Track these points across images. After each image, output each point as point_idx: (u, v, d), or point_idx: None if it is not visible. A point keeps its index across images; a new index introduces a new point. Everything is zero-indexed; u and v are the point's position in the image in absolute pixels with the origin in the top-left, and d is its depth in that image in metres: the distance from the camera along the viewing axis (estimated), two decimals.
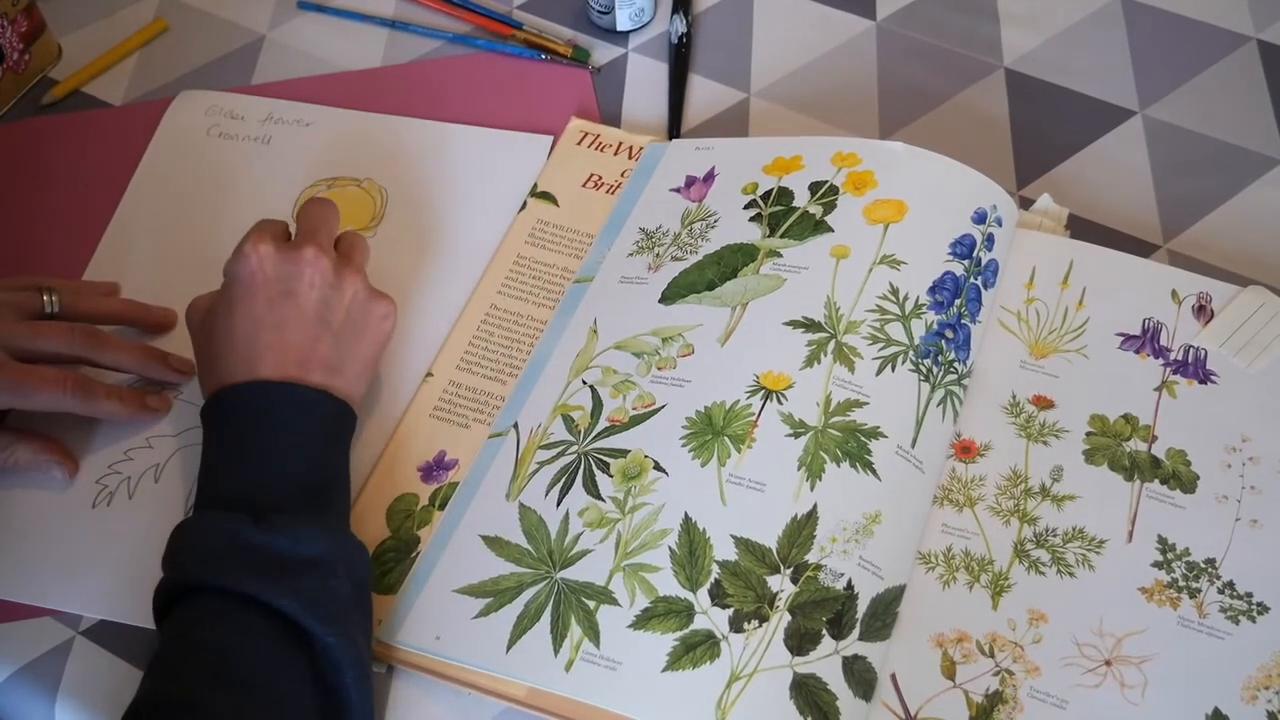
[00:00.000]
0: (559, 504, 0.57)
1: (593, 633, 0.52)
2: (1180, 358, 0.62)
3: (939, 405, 0.58)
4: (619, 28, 0.82)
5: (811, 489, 0.54)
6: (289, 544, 0.50)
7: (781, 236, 0.64)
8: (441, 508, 0.59)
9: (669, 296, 0.64)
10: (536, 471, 0.59)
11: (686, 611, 0.52)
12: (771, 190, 0.67)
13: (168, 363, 0.64)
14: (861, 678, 0.51)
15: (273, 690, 0.48)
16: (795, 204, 0.65)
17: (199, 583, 0.49)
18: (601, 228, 0.70)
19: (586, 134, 0.75)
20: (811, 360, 0.58)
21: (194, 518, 0.52)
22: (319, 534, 0.51)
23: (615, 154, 0.74)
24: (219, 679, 0.47)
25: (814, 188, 0.66)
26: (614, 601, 0.53)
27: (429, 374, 0.65)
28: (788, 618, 0.51)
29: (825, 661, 0.50)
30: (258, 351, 0.55)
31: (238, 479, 0.53)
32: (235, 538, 0.50)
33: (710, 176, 0.69)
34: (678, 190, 0.70)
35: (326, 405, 0.56)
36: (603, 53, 0.81)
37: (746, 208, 0.66)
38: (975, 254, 0.62)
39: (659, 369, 0.61)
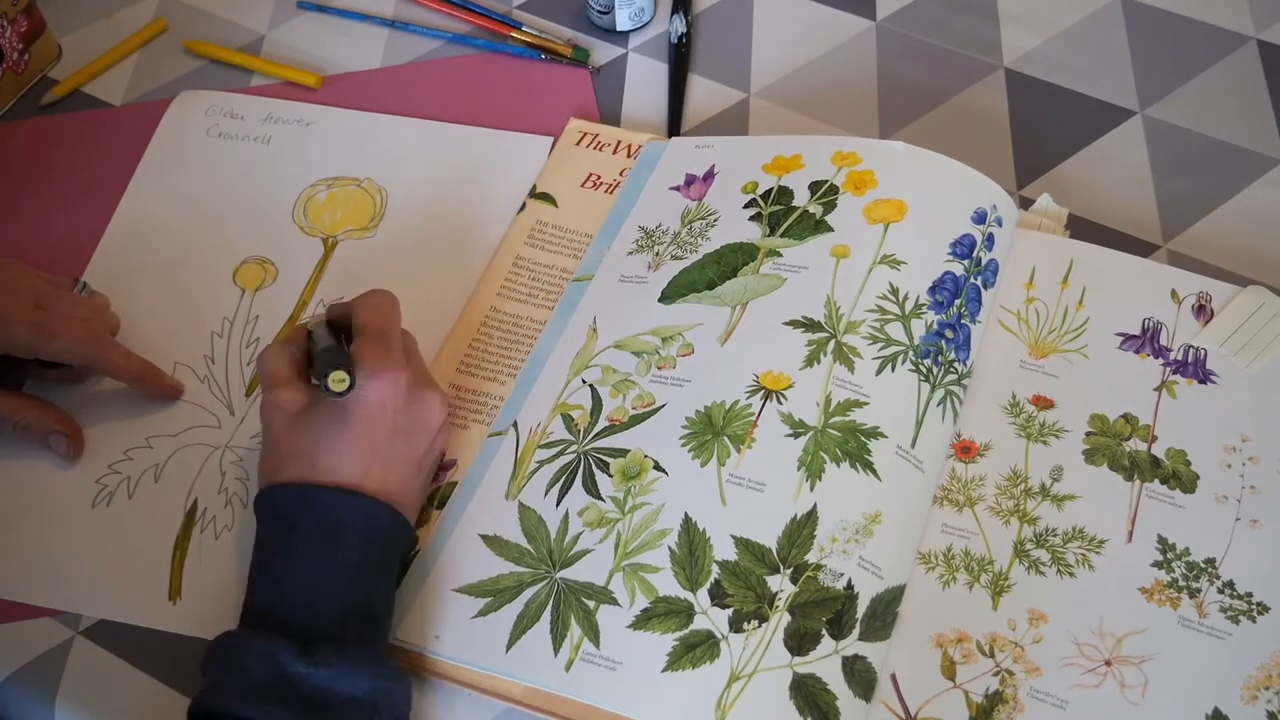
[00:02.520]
0: (559, 503, 0.57)
1: (592, 633, 0.52)
2: (1180, 357, 0.62)
3: (939, 405, 0.58)
4: (619, 28, 0.82)
5: (811, 489, 0.54)
6: (334, 679, 0.48)
7: (781, 236, 0.64)
8: (440, 507, 0.59)
9: (669, 296, 0.64)
10: (536, 471, 0.59)
11: (686, 611, 0.52)
12: (771, 189, 0.67)
13: (164, 380, 0.64)
14: (861, 678, 0.51)
15: None
16: (795, 203, 0.65)
17: (235, 712, 0.47)
18: (601, 226, 0.70)
19: (585, 134, 0.75)
20: (811, 360, 0.58)
21: (238, 640, 0.50)
22: (366, 671, 0.49)
23: (614, 153, 0.74)
24: None
25: (814, 187, 0.66)
26: (614, 601, 0.53)
27: None
28: (787, 618, 0.51)
29: (825, 661, 0.50)
30: (359, 474, 0.53)
31: (292, 591, 0.51)
32: (279, 669, 0.48)
33: (710, 175, 0.69)
34: (677, 189, 0.70)
35: (398, 530, 0.54)
36: (603, 53, 0.81)
37: (746, 207, 0.66)
38: (975, 254, 0.62)
39: (659, 368, 0.61)
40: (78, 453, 0.62)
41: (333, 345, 0.57)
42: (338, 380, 0.54)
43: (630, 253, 0.67)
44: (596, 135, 0.75)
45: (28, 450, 0.62)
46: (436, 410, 0.57)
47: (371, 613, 0.52)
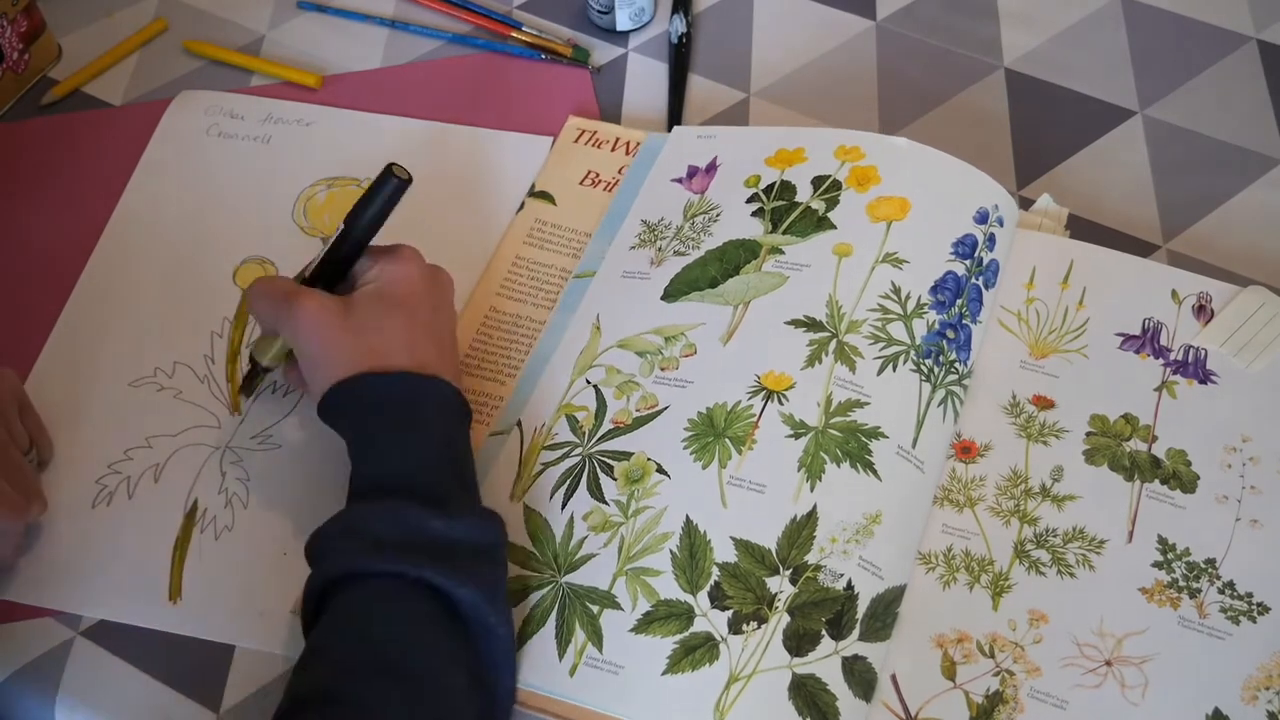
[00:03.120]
0: (564, 507, 0.57)
1: (596, 637, 0.52)
2: (1180, 358, 0.62)
3: (939, 405, 0.58)
4: (619, 28, 0.82)
5: (811, 489, 0.54)
6: (465, 530, 0.50)
7: (784, 233, 0.64)
8: None
9: (671, 293, 0.64)
10: (541, 473, 0.59)
11: (687, 614, 0.52)
12: (774, 184, 0.66)
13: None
14: (861, 678, 0.51)
15: (438, 683, 0.47)
16: (798, 199, 0.65)
17: (374, 570, 0.48)
18: (602, 219, 0.69)
19: (584, 131, 0.75)
20: (813, 360, 0.58)
21: (360, 510, 0.51)
22: (489, 521, 0.52)
23: (613, 150, 0.73)
24: (388, 671, 0.46)
25: (817, 182, 0.65)
26: (616, 605, 0.53)
27: None
28: (787, 618, 0.51)
29: (825, 662, 0.50)
30: (423, 351, 0.56)
31: (400, 463, 0.53)
32: (412, 525, 0.50)
33: (712, 167, 0.69)
34: (679, 181, 0.70)
35: (460, 400, 0.57)
36: (603, 52, 0.81)
37: (749, 201, 0.66)
38: (977, 254, 0.62)
39: (662, 369, 0.61)
40: (37, 511, 0.58)
41: (336, 255, 0.59)
42: (270, 351, 0.59)
43: (633, 247, 0.67)
44: (595, 133, 0.75)
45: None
46: (448, 282, 0.61)
47: (463, 474, 0.54)
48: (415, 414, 0.54)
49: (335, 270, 0.59)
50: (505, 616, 0.50)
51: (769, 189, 0.66)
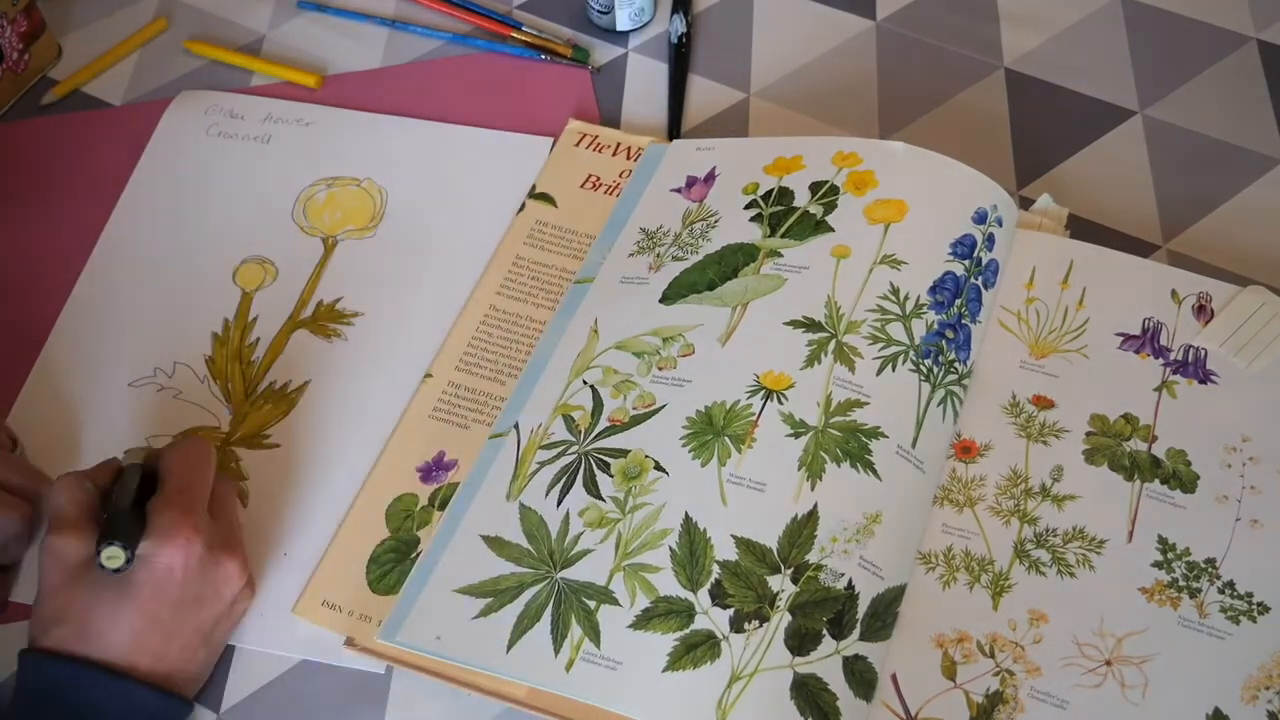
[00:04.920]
0: (559, 504, 0.57)
1: (593, 633, 0.52)
2: (1180, 357, 0.62)
3: (939, 405, 0.58)
4: (619, 28, 0.82)
5: (812, 489, 0.54)
6: None
7: (782, 236, 0.64)
8: (441, 508, 0.59)
9: (669, 296, 0.64)
10: (537, 471, 0.59)
11: (687, 611, 0.52)
12: (772, 190, 0.67)
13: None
14: (862, 678, 0.51)
15: None
16: (796, 204, 0.65)
17: None
18: (602, 228, 0.70)
19: (585, 135, 0.75)
20: (812, 360, 0.58)
21: None
22: None
23: (614, 155, 0.74)
24: None
25: (814, 188, 0.66)
26: (614, 601, 0.53)
27: (428, 374, 0.65)
28: (788, 618, 0.51)
29: (826, 661, 0.50)
30: (132, 648, 0.49)
31: None
32: None
33: (711, 177, 0.69)
34: (678, 190, 0.70)
35: (173, 711, 0.51)
36: (602, 53, 0.81)
37: (747, 208, 0.66)
38: (976, 254, 0.62)
39: (659, 369, 0.61)
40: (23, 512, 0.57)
41: (123, 509, 0.52)
42: (111, 557, 0.49)
43: (631, 254, 0.67)
44: (596, 137, 0.75)
45: (28, 450, 0.62)
46: (233, 580, 0.53)
47: None
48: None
49: (111, 525, 0.51)
50: None
51: (767, 195, 0.66)
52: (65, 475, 0.53)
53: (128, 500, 0.53)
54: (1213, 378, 0.61)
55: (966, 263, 0.62)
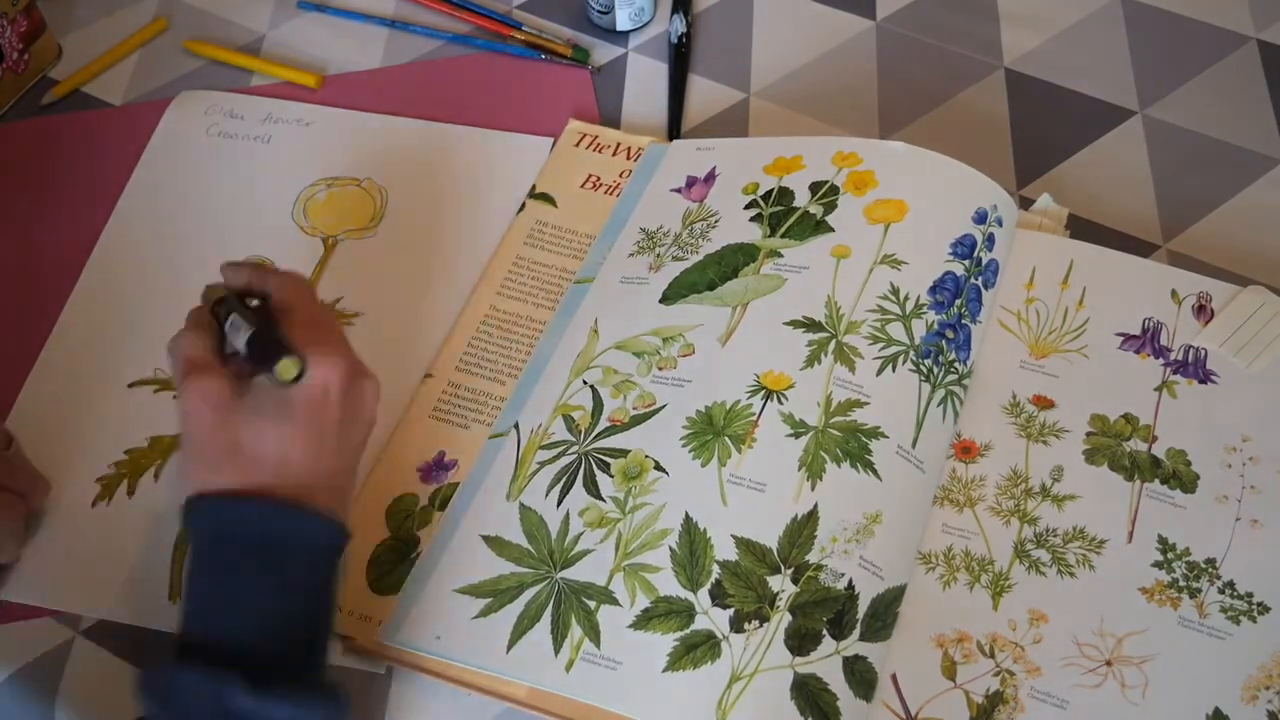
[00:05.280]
0: (559, 504, 0.57)
1: (593, 633, 0.52)
2: (1180, 357, 0.62)
3: (939, 405, 0.58)
4: (619, 28, 0.82)
5: (812, 489, 0.54)
6: (286, 715, 0.44)
7: (782, 236, 0.64)
8: (441, 508, 0.59)
9: (670, 296, 0.64)
10: (537, 472, 0.59)
11: (687, 612, 0.52)
12: (772, 190, 0.67)
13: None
14: (862, 678, 0.51)
15: None
16: (796, 204, 0.65)
17: None
18: (602, 228, 0.70)
19: (585, 135, 0.75)
20: (812, 360, 0.58)
21: (176, 674, 0.45)
22: (316, 704, 0.46)
23: (614, 155, 0.74)
24: None
25: (814, 187, 0.66)
26: (614, 602, 0.53)
27: (428, 374, 0.65)
28: (788, 618, 0.51)
29: (826, 662, 0.50)
30: (306, 472, 0.49)
31: (233, 615, 0.47)
32: (223, 705, 0.44)
33: (711, 177, 0.69)
34: (678, 190, 0.70)
35: (336, 540, 0.50)
36: (603, 53, 0.81)
37: (747, 208, 0.66)
38: (976, 254, 0.62)
39: (659, 369, 0.61)
40: (18, 511, 0.58)
41: (269, 329, 0.51)
42: (288, 368, 0.48)
43: (631, 254, 0.67)
44: (596, 137, 0.75)
45: (28, 450, 0.62)
46: (372, 399, 0.52)
47: (316, 635, 0.49)
48: (273, 559, 0.47)
49: (259, 348, 0.50)
50: None
51: (767, 195, 0.66)
52: (182, 331, 0.52)
53: (253, 329, 0.51)
54: (1213, 378, 0.61)
55: (966, 263, 0.62)
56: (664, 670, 0.50)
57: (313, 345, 0.50)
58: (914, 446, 0.57)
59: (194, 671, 0.45)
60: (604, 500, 0.56)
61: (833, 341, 0.59)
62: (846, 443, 0.56)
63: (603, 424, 0.59)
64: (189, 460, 0.50)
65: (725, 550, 0.53)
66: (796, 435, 0.56)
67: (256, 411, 0.49)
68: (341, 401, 0.50)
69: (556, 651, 0.52)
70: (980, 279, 0.62)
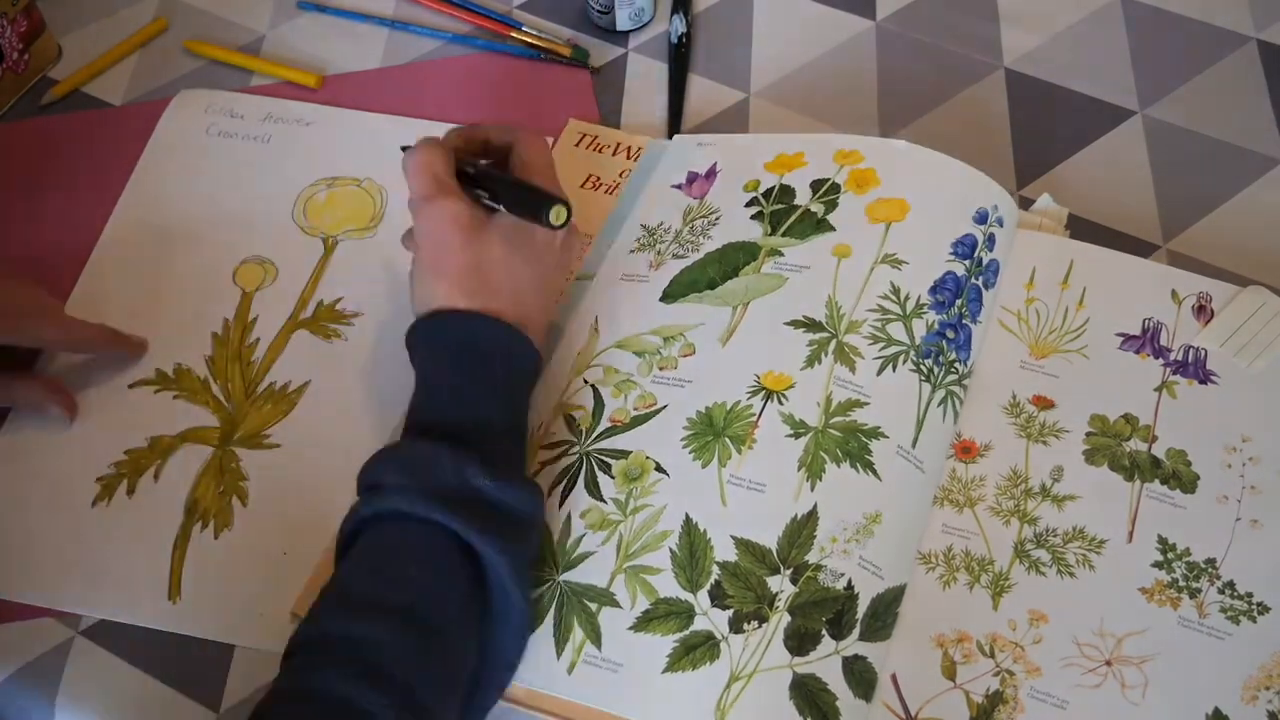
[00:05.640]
0: (561, 505, 0.57)
1: (594, 635, 0.52)
2: (1180, 358, 0.62)
3: (939, 405, 0.58)
4: (619, 28, 0.82)
5: (812, 489, 0.54)
6: (513, 499, 0.51)
7: (783, 235, 0.64)
8: None
9: (670, 295, 0.64)
10: (538, 472, 0.59)
11: (687, 613, 0.52)
12: (773, 188, 0.67)
13: (127, 340, 0.65)
14: (862, 678, 0.51)
15: (451, 637, 0.48)
16: (797, 202, 0.65)
17: (419, 516, 0.49)
18: (603, 224, 0.69)
19: (584, 135, 0.75)
20: (812, 360, 0.58)
21: (425, 448, 0.51)
22: (534, 493, 0.53)
23: (613, 154, 0.73)
24: (408, 617, 0.47)
25: (816, 185, 0.65)
26: (615, 603, 0.53)
27: None
28: (787, 618, 0.51)
29: (825, 662, 0.50)
30: (531, 305, 0.57)
31: (465, 406, 0.53)
32: (465, 479, 0.50)
33: (712, 173, 0.69)
34: (679, 186, 0.70)
35: (538, 362, 0.58)
36: (602, 53, 0.81)
37: (748, 205, 0.66)
38: (976, 254, 0.62)
39: (660, 369, 0.61)
40: (73, 413, 0.64)
41: (520, 183, 0.58)
42: (561, 213, 0.55)
43: (632, 251, 0.67)
44: (595, 137, 0.75)
45: (28, 450, 0.62)
46: (580, 252, 0.64)
47: (523, 433, 0.56)
48: (501, 370, 0.55)
49: (509, 193, 0.57)
50: (525, 591, 0.51)
51: (768, 193, 0.66)
52: (421, 145, 0.58)
53: (512, 178, 0.59)
54: (1213, 378, 0.61)
55: (967, 263, 0.62)
56: (663, 671, 0.50)
57: (549, 190, 0.58)
58: (914, 446, 0.56)
59: (443, 447, 0.51)
60: (605, 502, 0.56)
61: (833, 341, 0.59)
62: (846, 443, 0.56)
63: (604, 424, 0.59)
64: (427, 276, 0.56)
65: (725, 551, 0.53)
66: (796, 435, 0.56)
67: (503, 242, 0.56)
68: (565, 248, 0.60)
69: (559, 654, 0.52)
70: (981, 279, 0.62)
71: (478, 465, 0.50)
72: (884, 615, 0.53)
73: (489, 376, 0.54)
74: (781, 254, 0.63)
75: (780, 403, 0.57)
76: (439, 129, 0.76)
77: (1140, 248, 0.69)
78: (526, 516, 0.52)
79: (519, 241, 0.57)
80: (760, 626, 0.51)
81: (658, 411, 0.59)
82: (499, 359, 0.55)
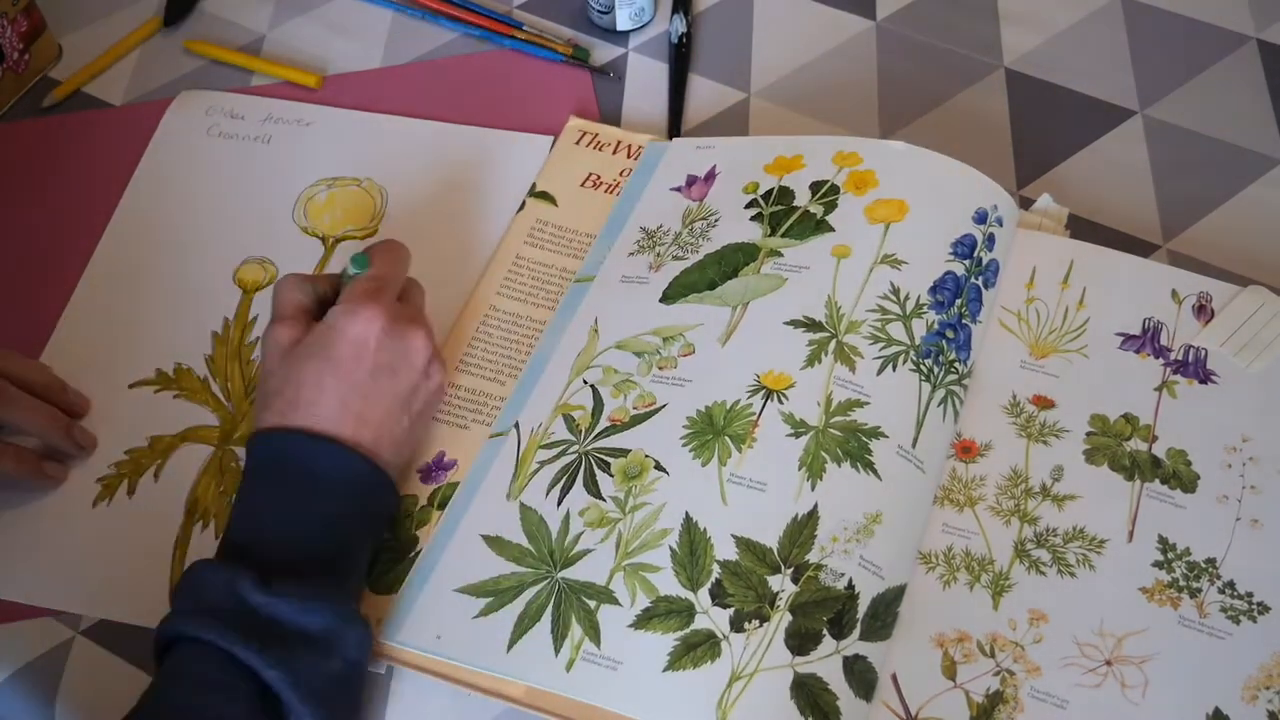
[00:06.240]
0: (559, 503, 0.57)
1: (593, 632, 0.52)
2: (1180, 357, 0.62)
3: (940, 405, 0.58)
4: (619, 27, 0.82)
5: (812, 489, 0.54)
6: (288, 611, 0.49)
7: (782, 236, 0.64)
8: (441, 508, 0.59)
9: (670, 296, 0.64)
10: (537, 471, 0.59)
11: (687, 611, 0.52)
12: (772, 189, 0.67)
13: (71, 434, 0.62)
14: (862, 678, 0.51)
15: None
16: (796, 203, 0.65)
17: (194, 635, 0.48)
18: (602, 227, 0.70)
19: (585, 133, 0.75)
20: (812, 360, 0.58)
21: (203, 569, 0.50)
22: (322, 607, 0.49)
23: (614, 153, 0.73)
24: None
25: (815, 187, 0.66)
26: (614, 601, 0.53)
27: None
28: (788, 617, 0.51)
29: (826, 661, 0.50)
30: (342, 414, 0.54)
31: (265, 530, 0.52)
32: (237, 596, 0.48)
33: (711, 175, 0.69)
34: (679, 189, 0.70)
35: (380, 484, 0.55)
36: (603, 52, 0.81)
37: (747, 207, 0.66)
38: (976, 254, 0.62)
39: (660, 368, 0.61)
40: (90, 447, 0.63)
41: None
42: (351, 264, 0.58)
43: (632, 253, 0.67)
44: (596, 135, 0.75)
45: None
46: (421, 349, 0.57)
47: (335, 559, 0.52)
48: (312, 486, 0.53)
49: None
50: (321, 707, 0.48)
51: (767, 194, 0.66)
52: (288, 276, 0.59)
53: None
54: (1213, 378, 0.61)
55: (967, 262, 0.62)
56: (664, 670, 0.50)
57: (356, 298, 0.56)
58: (914, 446, 0.57)
59: (216, 566, 0.50)
60: (604, 500, 0.56)
61: (833, 341, 0.59)
62: (847, 442, 0.56)
63: (603, 423, 0.59)
64: (257, 392, 0.58)
65: (725, 550, 0.53)
66: (797, 435, 0.56)
67: (305, 356, 0.55)
68: (379, 350, 0.55)
69: (557, 651, 0.52)
70: (980, 279, 0.62)
71: (251, 580, 0.48)
72: (884, 615, 0.53)
73: (276, 486, 0.53)
74: (781, 255, 0.63)
75: (780, 402, 0.57)
76: (439, 129, 0.76)
77: (1140, 248, 0.69)
78: (316, 630, 0.49)
79: (319, 357, 0.55)
80: (761, 626, 0.51)
81: (657, 411, 0.59)
82: (288, 468, 0.53)
